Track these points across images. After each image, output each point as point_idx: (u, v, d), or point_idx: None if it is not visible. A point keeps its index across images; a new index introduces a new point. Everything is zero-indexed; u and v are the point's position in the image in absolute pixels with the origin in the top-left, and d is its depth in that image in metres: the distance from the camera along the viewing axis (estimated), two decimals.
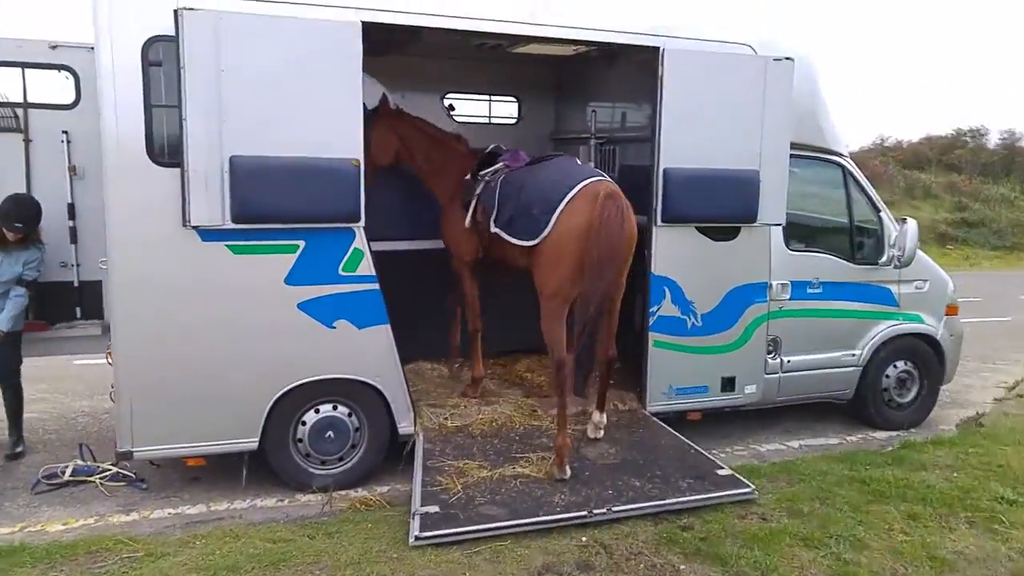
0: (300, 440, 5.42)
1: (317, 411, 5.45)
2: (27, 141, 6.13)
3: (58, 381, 7.50)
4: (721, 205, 6.16)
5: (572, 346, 5.25)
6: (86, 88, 5.97)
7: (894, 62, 63.72)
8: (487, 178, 5.98)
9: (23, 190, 6.09)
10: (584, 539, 4.55)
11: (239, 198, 4.87)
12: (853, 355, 7.03)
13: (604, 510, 4.72)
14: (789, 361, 6.75)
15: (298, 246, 5.17)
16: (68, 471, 5.48)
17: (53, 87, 6.18)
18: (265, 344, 5.18)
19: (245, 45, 4.79)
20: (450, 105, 7.65)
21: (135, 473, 5.51)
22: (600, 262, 5.11)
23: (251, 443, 5.24)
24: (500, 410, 6.04)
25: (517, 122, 8.04)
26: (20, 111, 6.08)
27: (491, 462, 5.24)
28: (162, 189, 4.84)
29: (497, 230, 5.69)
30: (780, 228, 6.52)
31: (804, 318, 6.77)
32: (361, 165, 5.14)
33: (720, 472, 5.26)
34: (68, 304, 6.24)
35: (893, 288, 7.19)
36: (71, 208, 6.17)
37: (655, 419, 6.13)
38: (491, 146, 6.36)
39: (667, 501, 4.87)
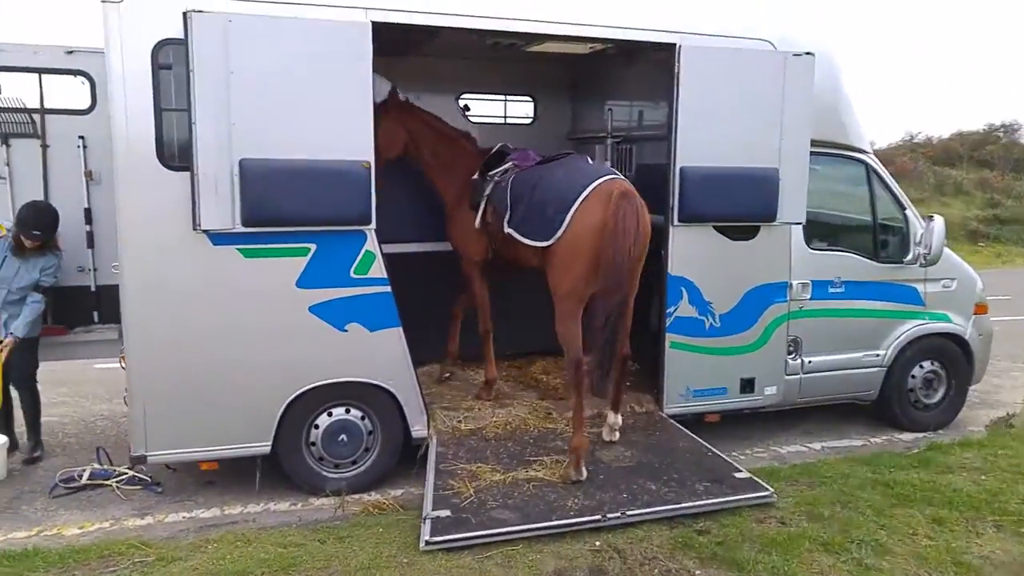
0: (313, 444, 5.40)
1: (330, 414, 5.43)
2: (44, 147, 6.20)
3: (78, 385, 7.56)
4: (739, 204, 6.04)
5: (591, 347, 5.19)
6: (102, 93, 6.00)
7: (924, 56, 62.70)
8: (496, 178, 5.93)
9: (41, 195, 6.16)
10: (598, 543, 4.47)
11: (249, 201, 4.86)
12: (877, 355, 6.87)
13: (618, 514, 4.64)
14: (810, 362, 6.62)
15: (309, 249, 5.15)
16: (85, 475, 5.51)
17: (70, 92, 6.25)
18: (277, 348, 5.16)
19: (254, 47, 4.78)
20: (465, 105, 7.61)
21: (151, 477, 5.52)
22: (615, 261, 5.06)
23: (264, 447, 5.23)
24: (515, 413, 5.98)
25: (533, 122, 7.97)
26: (37, 117, 6.15)
27: (504, 465, 5.18)
28: (173, 193, 4.84)
29: (511, 231, 5.63)
30: (800, 227, 6.39)
31: (825, 318, 6.64)
32: (372, 167, 5.11)
33: (738, 475, 5.16)
34: (86, 308, 6.30)
35: (919, 287, 7.02)
36: (88, 213, 6.22)
37: (672, 421, 6.03)
38: (498, 145, 6.30)
39: (683, 505, 4.78)
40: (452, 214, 6.45)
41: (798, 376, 6.59)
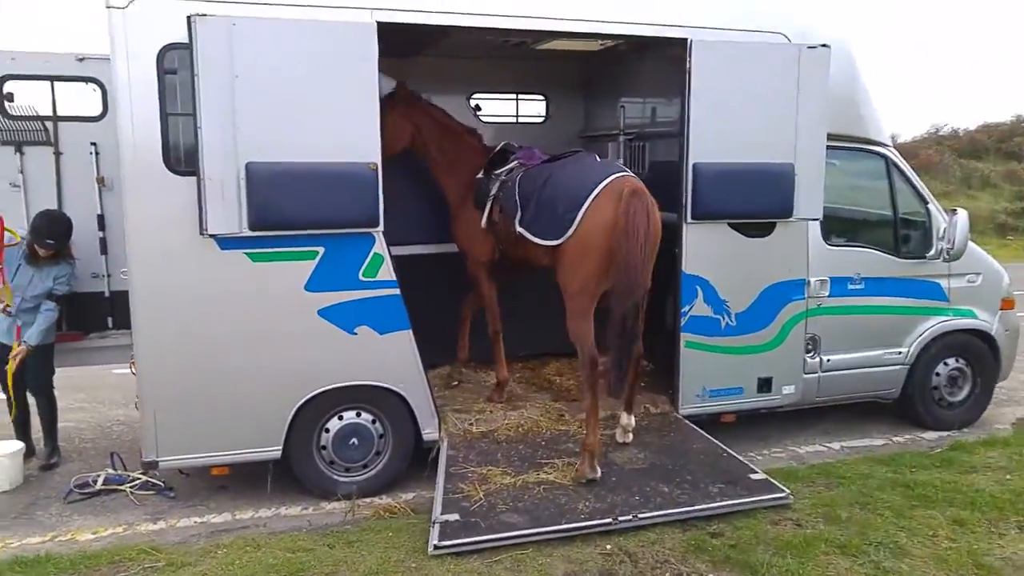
0: (324, 447, 5.37)
1: (340, 418, 5.40)
2: (57, 154, 6.24)
3: (96, 390, 7.62)
4: (754, 200, 5.93)
5: (607, 347, 5.15)
6: (113, 100, 6.04)
7: (949, 46, 61.66)
8: (503, 177, 5.88)
9: (54, 202, 6.20)
10: (608, 547, 4.42)
11: (256, 205, 4.83)
12: (899, 353, 6.72)
13: (630, 517, 4.57)
14: (829, 360, 6.49)
15: (317, 252, 5.12)
16: (100, 480, 5.53)
17: (81, 99, 6.29)
18: (286, 352, 5.14)
19: (259, 50, 4.75)
20: (476, 105, 7.56)
21: (164, 482, 5.53)
22: (627, 260, 5.06)
23: (274, 451, 5.21)
24: (527, 415, 5.92)
25: (545, 120, 7.91)
26: (50, 124, 6.19)
27: (515, 468, 5.13)
28: (180, 198, 4.83)
29: (522, 230, 5.58)
30: (818, 223, 6.28)
31: (845, 315, 6.50)
32: (379, 169, 5.07)
33: (753, 476, 5.07)
34: (101, 314, 6.33)
35: (943, 282, 6.86)
36: (101, 219, 6.25)
37: (687, 422, 5.94)
38: (502, 143, 6.25)
39: (696, 507, 4.71)
40: (457, 213, 6.39)
41: (816, 375, 6.46)
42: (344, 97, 4.98)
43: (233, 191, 4.80)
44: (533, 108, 8.00)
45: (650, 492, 4.85)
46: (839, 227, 6.68)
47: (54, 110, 6.23)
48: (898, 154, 6.83)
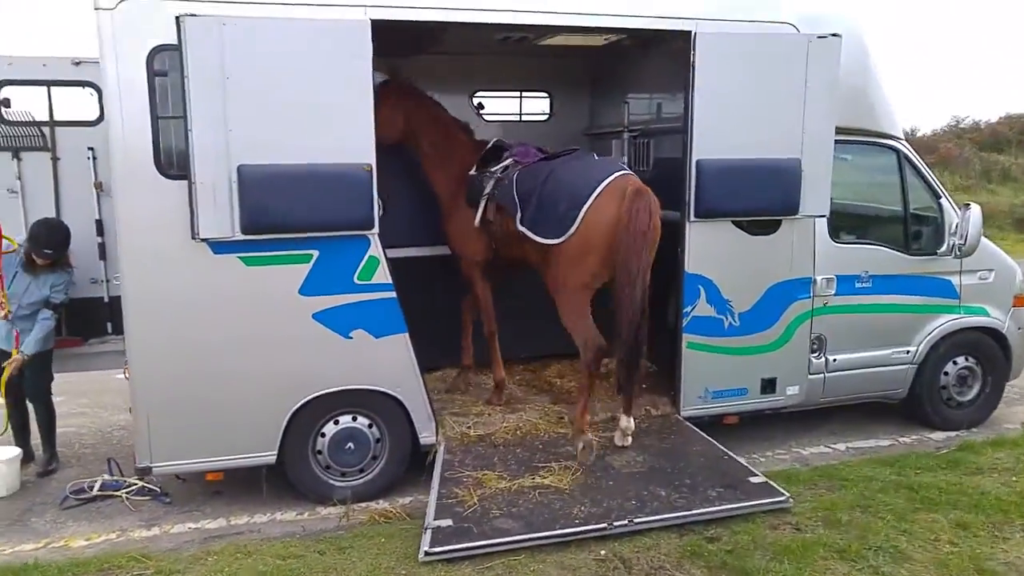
0: (319, 452, 5.33)
1: (336, 423, 5.35)
2: (55, 159, 6.23)
3: (98, 395, 7.61)
4: (759, 197, 5.81)
5: (612, 349, 5.20)
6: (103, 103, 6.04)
7: (970, 36, 60.73)
8: (498, 174, 5.81)
9: (52, 208, 6.20)
10: (603, 552, 4.35)
11: (248, 209, 4.77)
12: (907, 352, 6.58)
13: (625, 522, 4.49)
14: (835, 360, 6.36)
15: (311, 256, 5.07)
16: (96, 486, 5.52)
17: (78, 104, 6.28)
18: (281, 356, 5.09)
19: (250, 50, 4.69)
20: (479, 104, 7.50)
21: (160, 487, 5.51)
22: (627, 258, 5.08)
23: (269, 456, 5.18)
24: (525, 417, 5.86)
25: (549, 118, 7.83)
26: (47, 129, 6.19)
27: (511, 472, 5.06)
28: (172, 202, 4.78)
29: (525, 230, 5.52)
30: (825, 220, 6.15)
31: (851, 314, 6.37)
32: (374, 170, 5.02)
33: (753, 480, 4.97)
34: (100, 320, 6.32)
35: (954, 279, 6.70)
36: (99, 224, 6.24)
37: (688, 424, 5.85)
38: (493, 140, 6.18)
39: (693, 512, 4.62)
40: (449, 212, 6.30)
41: (822, 375, 6.34)
42: (337, 97, 4.91)
43: (225, 194, 4.75)
44: (537, 106, 7.93)
45: (647, 496, 4.76)
46: (847, 224, 6.55)
47: (51, 115, 6.21)
48: (910, 147, 6.67)
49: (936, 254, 6.61)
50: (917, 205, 6.66)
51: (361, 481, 5.42)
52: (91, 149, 6.17)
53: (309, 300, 5.10)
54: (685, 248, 5.79)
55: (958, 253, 6.56)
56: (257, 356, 5.06)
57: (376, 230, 5.12)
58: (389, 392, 5.34)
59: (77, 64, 6.13)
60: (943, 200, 6.65)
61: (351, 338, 5.20)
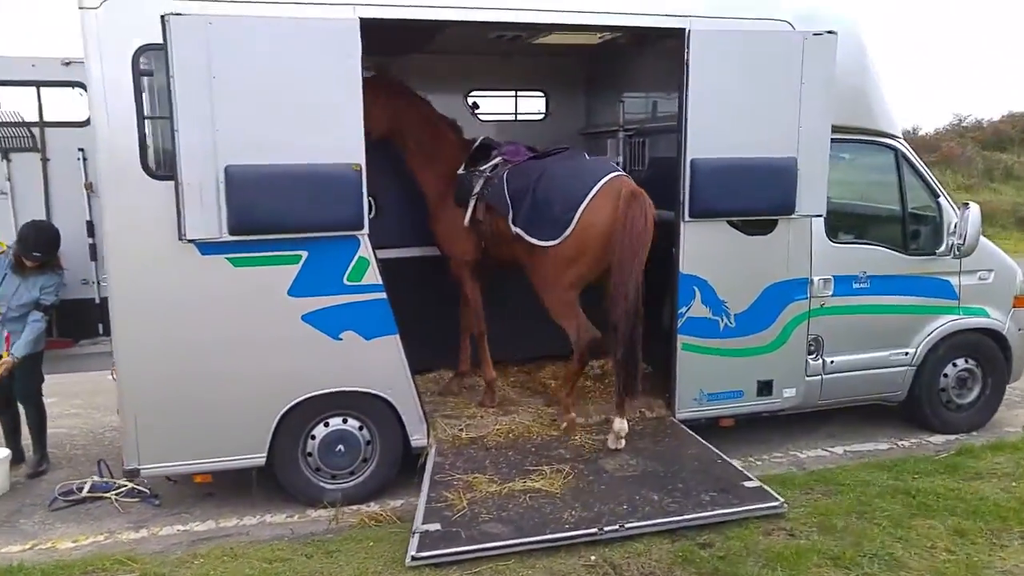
0: (309, 454, 5.28)
1: (326, 425, 5.30)
2: (45, 160, 6.20)
3: (92, 396, 7.56)
4: (754, 197, 5.73)
5: (610, 352, 5.25)
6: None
7: (973, 33, 60.35)
8: (487, 173, 5.75)
9: (42, 209, 6.17)
10: (593, 558, 4.28)
11: (236, 209, 4.72)
12: (906, 354, 6.50)
13: (616, 527, 4.43)
14: (832, 362, 6.28)
15: (300, 256, 5.02)
16: (86, 488, 5.47)
17: (68, 105, 6.25)
18: (269, 358, 5.05)
19: (237, 49, 4.63)
20: (474, 103, 7.44)
21: (149, 489, 5.46)
22: (623, 263, 5.10)
23: (258, 459, 5.13)
24: (518, 420, 5.79)
25: (544, 118, 7.77)
26: (37, 130, 6.15)
27: (502, 476, 5.00)
28: (158, 203, 4.73)
29: (518, 230, 5.48)
30: (822, 219, 6.07)
31: (849, 315, 6.29)
32: (363, 170, 4.96)
33: (747, 484, 4.90)
34: (91, 321, 6.28)
35: (953, 280, 6.62)
36: (90, 225, 6.20)
37: (683, 427, 5.78)
38: (481, 137, 6.14)
39: (684, 517, 4.55)
40: (436, 211, 6.23)
41: (819, 377, 6.26)
42: (326, 97, 4.86)
43: (212, 195, 4.70)
44: (533, 105, 7.87)
45: (639, 501, 4.70)
46: (844, 223, 6.47)
47: (40, 115, 6.19)
48: (908, 146, 6.59)
49: (935, 254, 6.52)
50: (915, 204, 6.58)
51: (352, 483, 5.37)
52: (81, 150, 6.13)
53: (298, 301, 5.05)
54: (680, 248, 5.72)
55: (957, 253, 6.47)
56: (246, 357, 5.01)
57: (366, 230, 5.07)
58: (380, 394, 5.29)
59: (67, 64, 6.09)
60: (942, 199, 6.56)
61: (341, 339, 5.15)
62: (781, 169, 5.71)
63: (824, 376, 6.28)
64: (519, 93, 7.74)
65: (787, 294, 6.02)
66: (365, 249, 5.12)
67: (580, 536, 4.37)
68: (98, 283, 6.22)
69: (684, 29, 5.45)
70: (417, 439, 5.42)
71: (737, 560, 4.21)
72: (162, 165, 4.80)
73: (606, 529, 4.41)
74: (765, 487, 4.85)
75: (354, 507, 5.21)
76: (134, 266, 4.81)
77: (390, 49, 6.17)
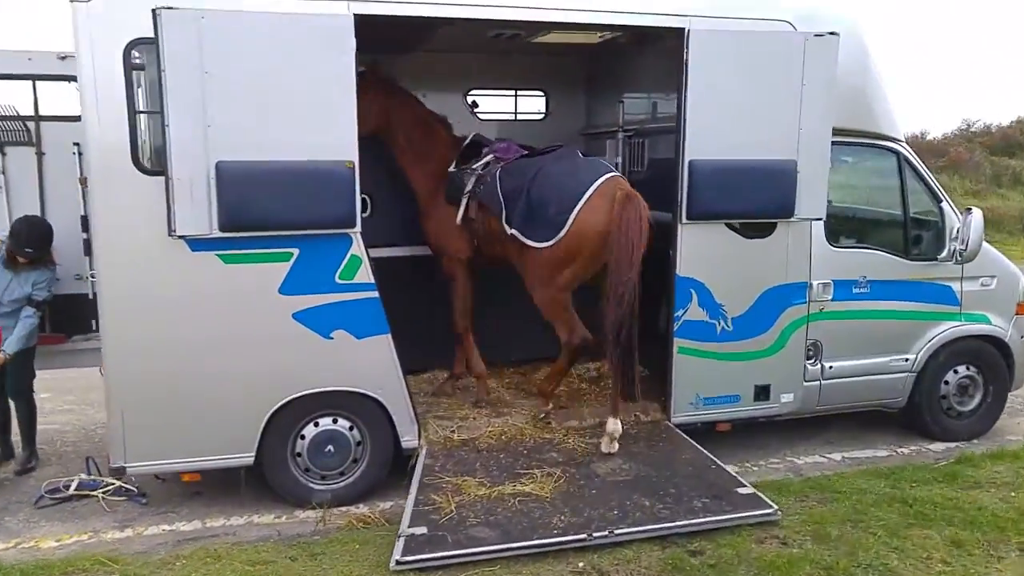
0: (299, 454, 5.22)
1: (316, 425, 5.24)
2: (40, 154, 6.16)
3: (86, 392, 7.50)
4: (753, 199, 5.66)
5: (607, 355, 5.19)
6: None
7: (983, 38, 60.03)
8: (479, 171, 5.70)
9: (37, 203, 6.12)
10: (581, 565, 4.22)
11: (227, 206, 4.67)
12: (906, 360, 6.40)
13: (605, 533, 4.36)
14: (831, 367, 6.19)
15: (292, 254, 4.97)
16: (73, 485, 5.42)
17: (64, 99, 6.21)
18: (259, 356, 5.00)
19: (229, 44, 4.58)
20: (473, 102, 7.38)
21: (137, 487, 5.41)
22: (619, 267, 5.06)
23: (247, 458, 5.07)
24: (511, 422, 5.73)
25: (544, 117, 7.70)
26: (32, 124, 6.11)
27: (492, 479, 4.93)
28: (149, 198, 4.68)
29: (513, 231, 5.42)
30: (821, 223, 5.98)
31: (849, 320, 6.20)
32: (356, 167, 4.91)
33: (741, 491, 4.83)
34: (84, 316, 6.23)
35: (954, 286, 6.52)
36: (84, 220, 6.15)
37: (678, 431, 5.70)
38: (472, 134, 6.09)
39: (675, 524, 4.48)
40: (428, 209, 6.17)
41: (818, 382, 6.17)
42: (320, 93, 4.81)
43: (203, 191, 4.65)
44: (533, 105, 7.81)
45: (630, 506, 4.63)
46: (845, 227, 6.41)
47: (36, 109, 6.15)
48: (911, 149, 6.50)
49: (936, 259, 6.43)
50: (917, 209, 6.50)
51: (341, 484, 5.31)
52: (76, 144, 6.07)
53: (289, 299, 5.00)
54: (677, 250, 5.65)
55: (959, 258, 6.37)
56: (235, 355, 4.96)
57: (358, 228, 5.02)
58: (370, 394, 5.24)
59: (63, 59, 6.04)
60: (944, 204, 6.47)
61: (332, 338, 5.10)
62: (780, 171, 5.63)
63: (823, 381, 6.19)
64: (519, 92, 7.67)
65: (786, 298, 5.94)
66: (357, 247, 5.06)
67: (568, 542, 4.31)
68: (92, 278, 6.17)
69: (683, 29, 5.38)
70: (408, 440, 5.36)
71: (728, 568, 4.14)
72: (153, 160, 4.75)
73: (595, 535, 4.34)
74: (759, 494, 4.78)
75: (343, 508, 5.15)
76: (124, 261, 4.76)
77: (386, 47, 6.12)
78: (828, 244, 6.12)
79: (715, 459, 5.25)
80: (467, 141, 6.07)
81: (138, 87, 5.15)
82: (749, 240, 5.80)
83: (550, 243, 5.26)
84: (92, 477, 5.54)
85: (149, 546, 4.70)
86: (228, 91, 4.62)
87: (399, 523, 4.72)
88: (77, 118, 6.00)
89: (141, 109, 4.78)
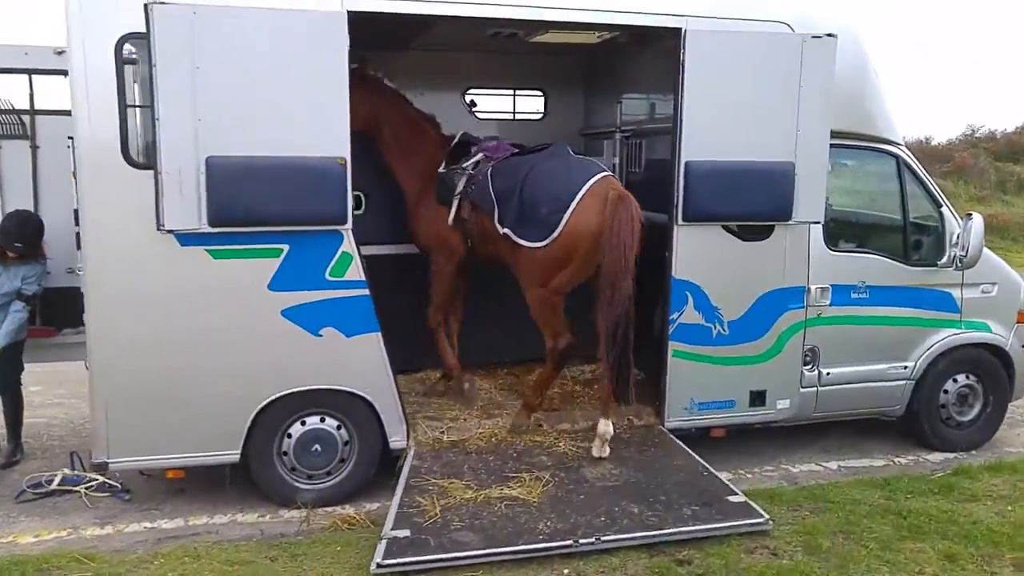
0: (285, 453, 5.16)
1: (303, 423, 5.17)
2: (34, 148, 6.14)
3: (77, 385, 7.43)
4: (750, 202, 5.58)
5: (603, 358, 5.13)
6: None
7: (988, 43, 59.57)
8: (469, 171, 5.64)
9: (30, 195, 6.10)
10: (566, 572, 4.15)
11: (216, 201, 4.62)
12: (904, 367, 6.31)
13: (592, 540, 4.28)
14: (828, 373, 6.10)
15: (281, 250, 4.92)
16: (56, 480, 5.37)
17: (59, 93, 6.17)
18: (247, 352, 4.95)
19: (221, 40, 4.54)
20: (471, 101, 7.32)
21: (120, 484, 5.35)
22: (612, 269, 5.02)
23: (232, 455, 5.02)
24: (502, 424, 5.65)
25: (543, 117, 7.64)
26: (27, 118, 6.09)
27: (479, 482, 4.86)
28: (139, 192, 4.62)
29: (506, 230, 5.36)
30: (820, 226, 5.90)
31: (847, 326, 6.11)
32: (348, 164, 4.85)
33: (732, 499, 4.74)
34: (76, 310, 6.18)
35: (955, 292, 6.43)
36: (77, 214, 6.10)
37: (671, 436, 5.62)
38: (460, 133, 6.04)
39: (663, 531, 4.40)
40: (416, 208, 6.11)
41: (814, 389, 6.08)
42: (312, 89, 4.76)
43: (192, 185, 4.59)
44: (531, 104, 7.75)
45: (618, 513, 4.54)
46: (843, 231, 6.32)
47: (31, 103, 6.13)
48: (910, 154, 6.42)
49: (936, 265, 6.33)
50: (917, 214, 6.40)
51: (328, 484, 5.24)
52: (71, 138, 5.99)
53: (278, 296, 4.95)
54: (672, 253, 5.58)
55: (959, 265, 6.28)
56: (222, 351, 4.92)
57: (349, 225, 4.97)
58: (359, 393, 5.17)
59: (59, 53, 6.00)
60: (944, 209, 6.38)
61: (321, 336, 5.04)
62: (778, 174, 5.56)
63: (819, 388, 6.10)
64: (517, 92, 7.61)
65: (783, 302, 5.86)
66: (348, 244, 5.01)
67: (554, 548, 4.23)
68: (79, 271, 6.14)
69: (680, 29, 5.32)
70: (396, 441, 5.30)
71: None
72: (143, 154, 4.71)
73: (581, 542, 4.26)
74: (750, 502, 4.69)
75: (328, 509, 5.08)
76: (112, 256, 4.73)
77: (382, 44, 6.07)
78: (826, 248, 6.04)
79: (707, 466, 5.17)
80: (455, 140, 5.99)
81: (135, 82, 5.15)
82: (746, 243, 5.73)
83: (543, 243, 5.21)
84: (75, 472, 5.49)
85: (128, 544, 4.64)
86: (219, 86, 4.57)
87: (384, 525, 4.68)
88: (71, 112, 6.07)
89: (132, 103, 4.72)
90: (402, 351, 5.27)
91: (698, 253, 5.64)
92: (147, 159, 4.67)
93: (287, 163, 4.73)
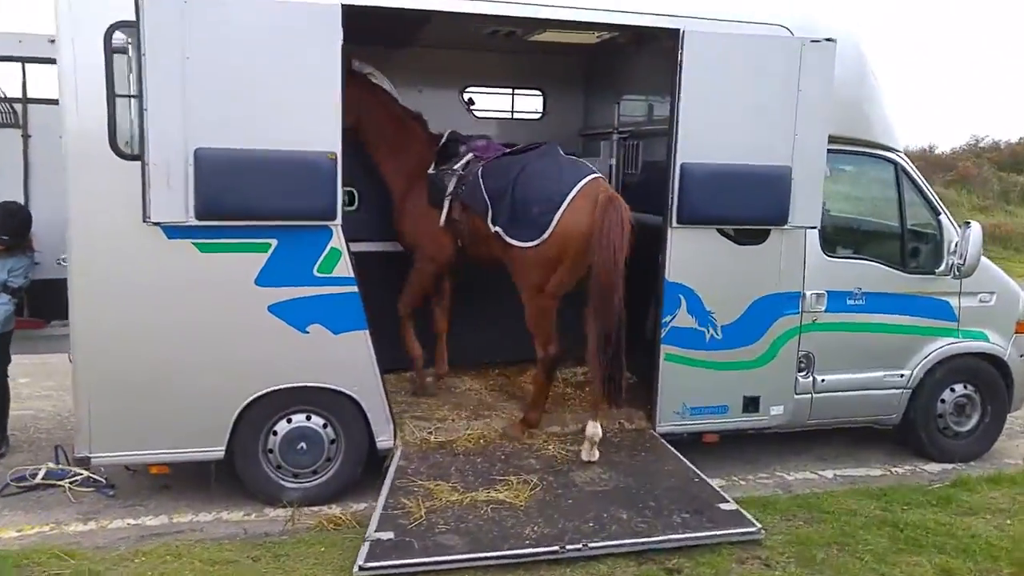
0: (271, 451, 5.09)
1: (289, 421, 5.10)
2: (26, 137, 6.07)
3: (65, 377, 7.29)
4: (746, 205, 5.52)
5: (595, 361, 5.08)
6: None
7: (993, 53, 59.52)
8: (459, 171, 5.57)
9: (21, 185, 6.02)
10: None
11: (204, 193, 4.55)
12: (901, 376, 6.23)
13: (579, 546, 4.20)
14: (823, 380, 6.03)
15: (269, 245, 4.85)
16: (40, 474, 5.30)
17: (53, 82, 6.10)
18: (233, 348, 4.88)
19: (212, 30, 4.48)
20: (470, 99, 7.25)
21: (105, 479, 5.29)
22: (602, 271, 4.98)
23: (217, 452, 4.94)
24: (491, 425, 5.58)
25: (542, 117, 7.57)
26: (19, 107, 6.02)
27: (466, 484, 4.79)
28: (126, 184, 4.56)
29: (498, 230, 5.31)
30: (816, 232, 5.84)
31: (842, 332, 6.04)
32: (339, 159, 4.78)
33: (723, 506, 4.66)
34: (65, 302, 6.12)
35: (952, 301, 6.35)
36: None
37: (663, 441, 5.54)
38: (448, 131, 5.97)
39: (653, 539, 4.32)
40: (402, 207, 6.03)
41: (809, 395, 6.00)
42: (303, 82, 4.70)
43: (180, 177, 4.53)
44: (530, 104, 7.68)
45: (607, 519, 4.47)
46: (840, 237, 6.27)
47: (24, 92, 6.06)
48: (909, 161, 6.35)
49: (934, 273, 6.26)
50: (915, 221, 6.34)
51: (314, 483, 5.17)
52: None
53: (265, 291, 4.88)
54: (666, 255, 5.51)
55: (957, 273, 6.20)
56: (208, 346, 4.85)
57: (339, 221, 4.90)
58: (345, 391, 5.10)
59: (53, 41, 5.93)
60: (942, 217, 6.31)
61: (308, 333, 4.97)
62: (775, 177, 5.50)
63: (814, 395, 6.03)
64: (516, 91, 7.54)
65: (778, 307, 5.79)
66: (338, 240, 4.94)
67: (540, 554, 4.16)
68: (64, 263, 6.07)
69: (679, 30, 5.26)
70: (383, 440, 5.22)
71: None
72: (131, 145, 4.64)
73: (568, 548, 4.19)
74: (742, 511, 4.62)
75: (314, 508, 5.01)
76: (98, 247, 4.67)
77: (378, 39, 6.01)
78: (823, 253, 5.97)
79: (698, 472, 5.09)
80: (444, 139, 5.93)
81: (128, 72, 5.07)
82: (741, 247, 5.67)
83: (535, 243, 5.16)
84: (60, 466, 5.43)
85: (111, 540, 4.57)
86: (210, 77, 4.52)
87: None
88: None
89: (120, 93, 4.65)
90: (390, 350, 5.20)
91: (692, 256, 5.58)
92: (135, 150, 4.60)
93: (276, 157, 4.67)
